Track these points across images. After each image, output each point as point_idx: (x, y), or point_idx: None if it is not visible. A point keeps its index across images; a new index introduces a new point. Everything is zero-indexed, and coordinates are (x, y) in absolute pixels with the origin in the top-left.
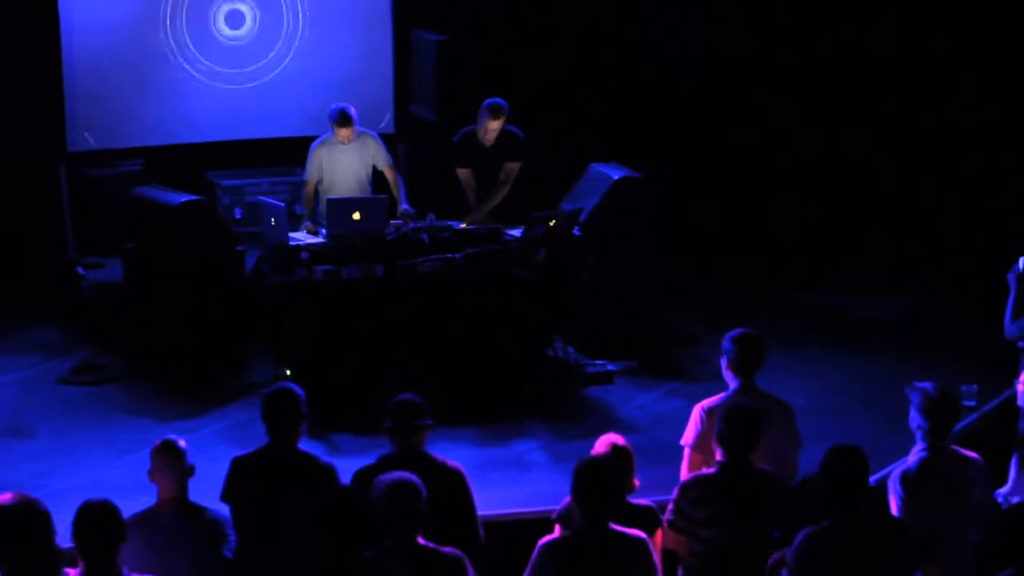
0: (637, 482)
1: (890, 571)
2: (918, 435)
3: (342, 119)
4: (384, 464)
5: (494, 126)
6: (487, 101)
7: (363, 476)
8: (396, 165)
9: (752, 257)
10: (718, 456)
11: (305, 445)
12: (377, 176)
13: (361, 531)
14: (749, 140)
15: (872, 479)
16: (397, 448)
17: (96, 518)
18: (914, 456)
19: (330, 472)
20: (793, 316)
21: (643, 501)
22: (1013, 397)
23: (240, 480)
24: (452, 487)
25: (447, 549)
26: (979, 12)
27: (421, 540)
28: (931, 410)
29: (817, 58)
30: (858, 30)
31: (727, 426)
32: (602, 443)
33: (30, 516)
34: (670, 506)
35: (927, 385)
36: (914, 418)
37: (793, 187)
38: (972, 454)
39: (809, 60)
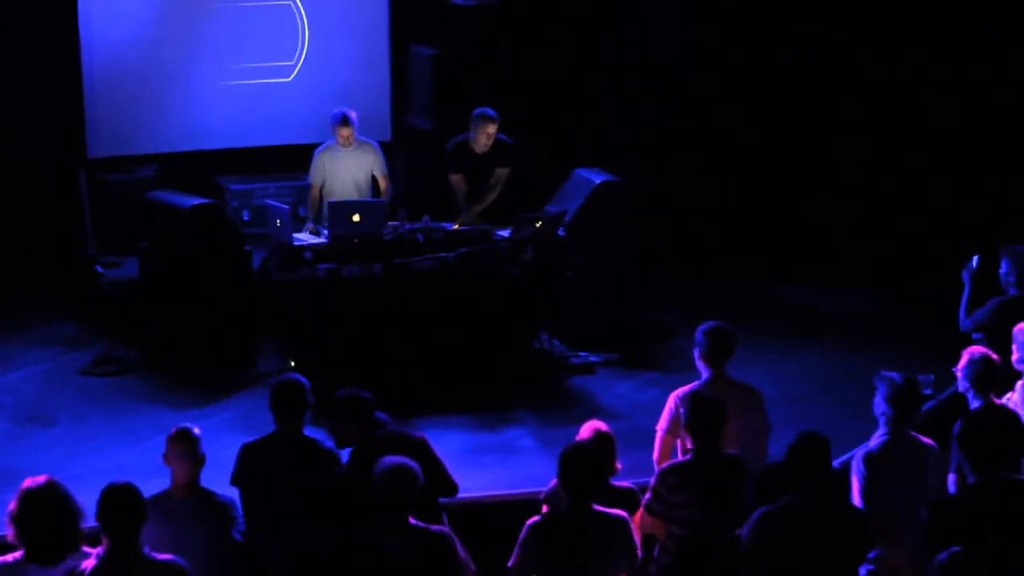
0: (619, 465)
1: (842, 551)
2: (881, 420)
3: (343, 120)
4: (354, 456)
5: (491, 130)
6: (479, 110)
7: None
8: (391, 176)
9: (726, 255)
10: (688, 444)
11: (307, 432)
12: (375, 182)
13: (358, 513)
14: (724, 143)
15: (835, 463)
16: (359, 439)
17: (119, 499)
18: (876, 440)
19: (333, 456)
20: (764, 310)
21: (625, 483)
22: None
23: (248, 464)
24: (420, 455)
25: (436, 528)
26: (953, 16)
27: (412, 520)
28: (896, 398)
29: (792, 61)
30: (827, 32)
31: (691, 414)
32: (586, 429)
33: (54, 498)
34: (648, 492)
35: (894, 375)
36: (879, 404)
37: (766, 188)
38: (929, 441)
39: (786, 63)
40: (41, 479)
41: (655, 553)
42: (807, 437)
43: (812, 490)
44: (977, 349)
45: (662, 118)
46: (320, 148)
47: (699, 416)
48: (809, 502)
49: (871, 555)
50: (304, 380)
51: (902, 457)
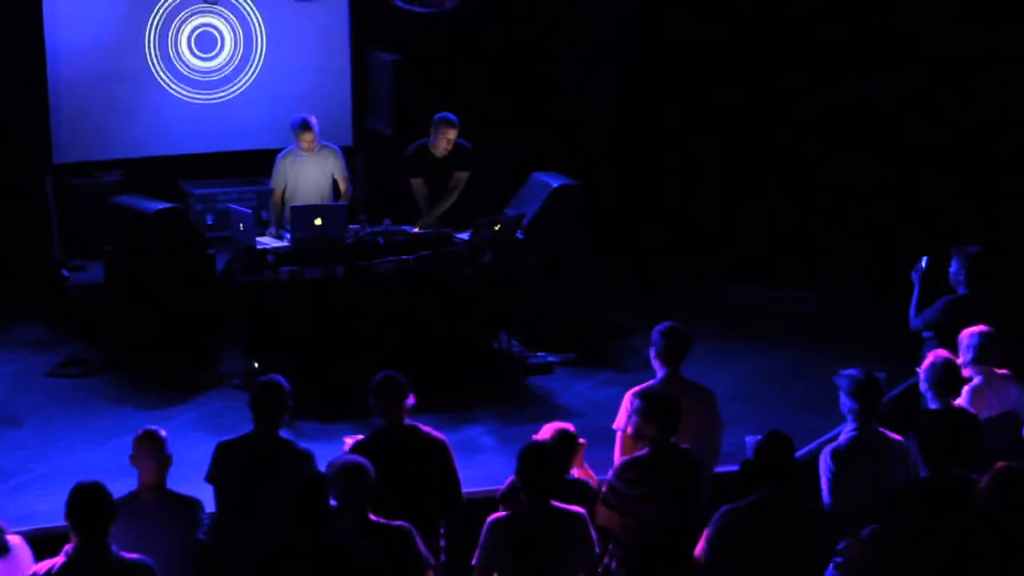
0: (575, 471)
1: (807, 548)
2: (849, 417)
3: (303, 125)
4: (375, 438)
5: (451, 135)
6: (439, 115)
7: (359, 450)
8: (351, 179)
9: (680, 256)
10: (645, 440)
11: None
12: (336, 185)
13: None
14: (678, 146)
15: None
16: (384, 423)
17: (88, 498)
18: (844, 435)
19: (308, 457)
20: (717, 310)
21: (578, 475)
22: (917, 383)
23: (225, 463)
24: (438, 457)
25: (396, 523)
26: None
27: (372, 516)
28: (859, 392)
29: (742, 61)
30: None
31: (648, 410)
32: (548, 429)
33: None
34: (605, 486)
35: (853, 371)
36: (844, 402)
37: (721, 190)
38: (896, 436)
39: (735, 63)
40: None
41: (611, 546)
42: (775, 436)
43: (779, 488)
44: (940, 353)
45: (619, 122)
46: (282, 153)
47: (656, 411)
48: (775, 500)
49: (839, 547)
50: (285, 383)
51: (869, 452)
